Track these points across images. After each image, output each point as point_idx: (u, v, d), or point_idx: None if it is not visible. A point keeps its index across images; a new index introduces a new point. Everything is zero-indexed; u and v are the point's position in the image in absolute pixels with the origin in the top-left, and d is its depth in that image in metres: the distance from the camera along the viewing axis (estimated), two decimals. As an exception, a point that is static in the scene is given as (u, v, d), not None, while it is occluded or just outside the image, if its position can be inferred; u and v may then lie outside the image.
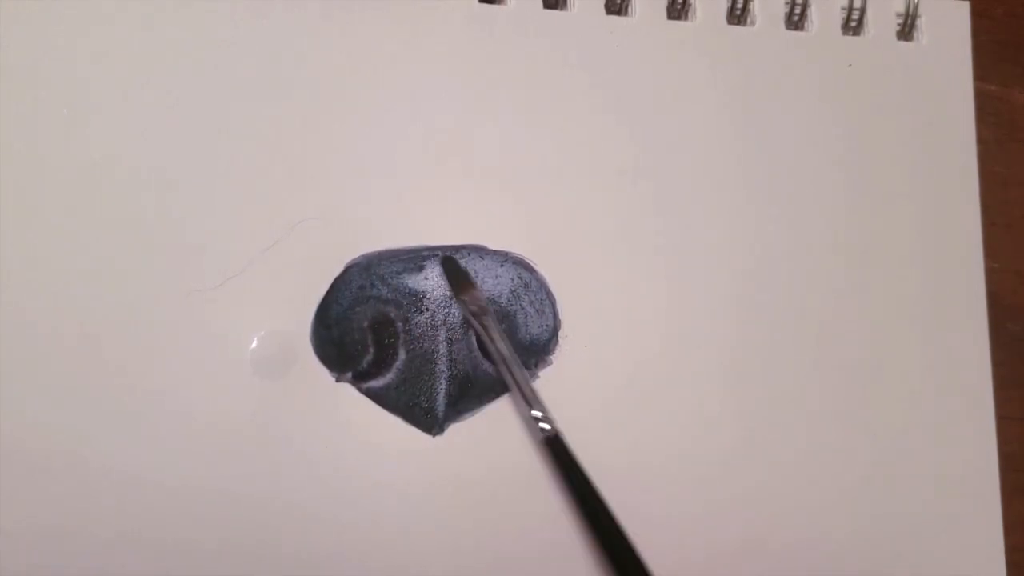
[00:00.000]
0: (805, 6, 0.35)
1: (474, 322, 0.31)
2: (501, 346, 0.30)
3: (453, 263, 0.31)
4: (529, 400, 0.30)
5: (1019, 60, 0.38)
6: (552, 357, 0.31)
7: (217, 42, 0.31)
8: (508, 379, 0.30)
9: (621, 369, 0.32)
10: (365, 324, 0.31)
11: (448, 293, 0.31)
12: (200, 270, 0.30)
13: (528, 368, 0.31)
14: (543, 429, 0.29)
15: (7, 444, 0.28)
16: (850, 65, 0.35)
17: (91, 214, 0.29)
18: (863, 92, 0.35)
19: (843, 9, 0.36)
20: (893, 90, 0.35)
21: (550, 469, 0.30)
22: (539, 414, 0.30)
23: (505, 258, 0.32)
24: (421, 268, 0.31)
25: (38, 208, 0.29)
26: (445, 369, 0.31)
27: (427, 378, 0.31)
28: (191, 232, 0.30)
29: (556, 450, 0.29)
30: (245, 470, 0.29)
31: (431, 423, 0.30)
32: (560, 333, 0.32)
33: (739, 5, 0.35)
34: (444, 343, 0.31)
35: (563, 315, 0.32)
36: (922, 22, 0.36)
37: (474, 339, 0.31)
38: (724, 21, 0.35)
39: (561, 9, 0.34)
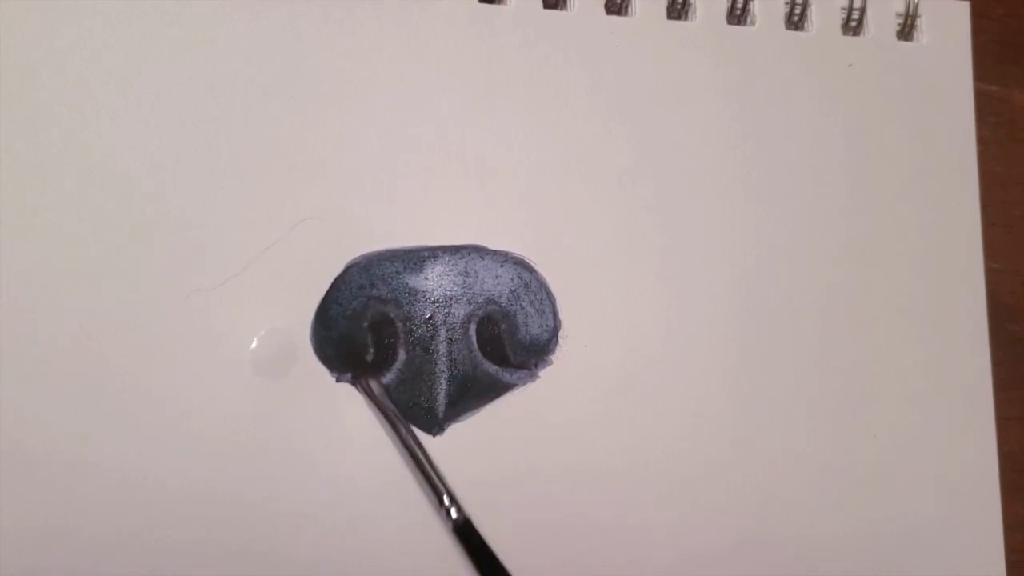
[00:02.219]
0: (805, 6, 0.35)
1: (374, 408, 0.29)
2: (402, 431, 0.28)
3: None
4: (435, 485, 0.28)
5: (1019, 60, 0.38)
6: (552, 357, 0.31)
7: (217, 42, 0.31)
8: (411, 463, 0.28)
9: (621, 369, 0.32)
10: (365, 324, 0.31)
11: (449, 293, 0.31)
12: (200, 270, 0.30)
13: (528, 368, 0.31)
14: (453, 518, 0.28)
15: (7, 444, 0.28)
16: (850, 65, 0.35)
17: (91, 214, 0.29)
18: (863, 92, 0.35)
19: (843, 9, 0.36)
20: (893, 90, 0.35)
21: (462, 557, 0.28)
22: (448, 502, 0.28)
23: (505, 258, 0.32)
24: (421, 268, 0.31)
25: (38, 208, 0.29)
26: (445, 369, 0.31)
27: (427, 378, 0.31)
28: (191, 232, 0.30)
29: (467, 538, 0.28)
30: (245, 470, 0.29)
31: (431, 423, 0.30)
32: (560, 333, 0.32)
33: (739, 5, 0.35)
34: (444, 343, 0.31)
35: (563, 315, 0.32)
36: (922, 22, 0.36)
37: (474, 339, 0.31)
38: (724, 21, 0.35)
39: (561, 9, 0.34)
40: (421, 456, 0.29)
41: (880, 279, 0.34)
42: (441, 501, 0.28)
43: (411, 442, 0.29)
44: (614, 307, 0.32)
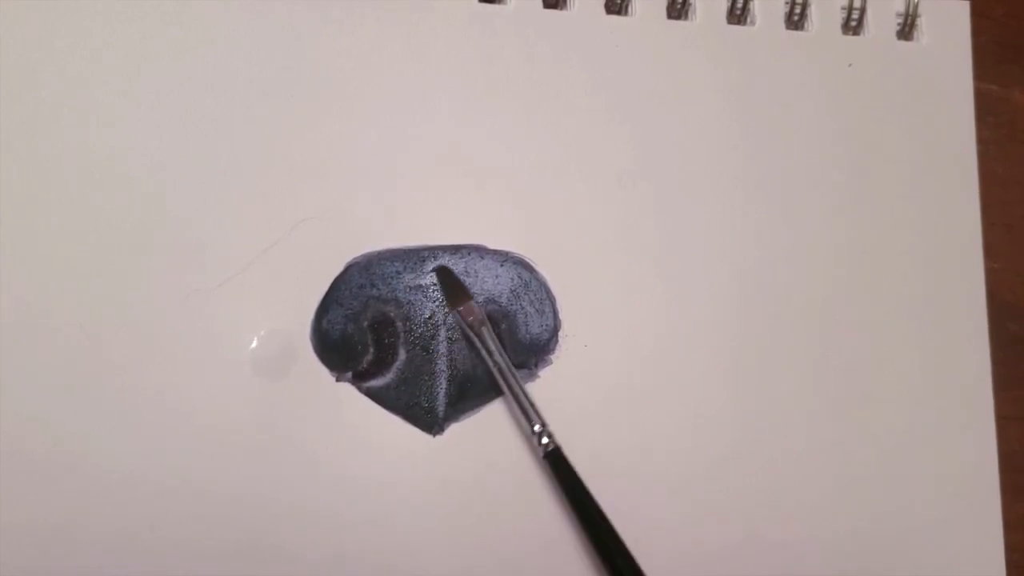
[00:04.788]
0: (805, 6, 0.35)
1: (471, 334, 0.30)
2: (499, 359, 0.30)
3: (448, 273, 0.31)
4: (529, 414, 0.29)
5: (1019, 60, 0.38)
6: (552, 357, 0.31)
7: (217, 42, 0.31)
8: (506, 391, 0.30)
9: (621, 368, 0.32)
10: (365, 324, 0.31)
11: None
12: (200, 270, 0.30)
13: (528, 368, 0.31)
14: (544, 444, 0.29)
15: (7, 444, 0.28)
16: (850, 65, 0.35)
17: (91, 214, 0.29)
18: (863, 92, 0.35)
19: (843, 9, 0.36)
20: (893, 90, 0.35)
21: (551, 482, 0.30)
22: (539, 428, 0.29)
23: (505, 258, 0.32)
24: (421, 268, 0.31)
25: (38, 208, 0.29)
26: (445, 368, 0.31)
27: (427, 377, 0.31)
28: (191, 232, 0.30)
29: (557, 464, 0.29)
30: (245, 470, 0.29)
31: (431, 422, 0.30)
32: (560, 333, 0.32)
33: (739, 5, 0.35)
34: (444, 342, 0.31)
35: (563, 315, 0.32)
36: (922, 22, 0.36)
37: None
38: (724, 21, 0.35)
39: (561, 9, 0.34)
40: (517, 387, 0.30)
41: (880, 279, 0.34)
42: (533, 429, 0.29)
43: (508, 372, 0.30)
44: (614, 307, 0.32)
